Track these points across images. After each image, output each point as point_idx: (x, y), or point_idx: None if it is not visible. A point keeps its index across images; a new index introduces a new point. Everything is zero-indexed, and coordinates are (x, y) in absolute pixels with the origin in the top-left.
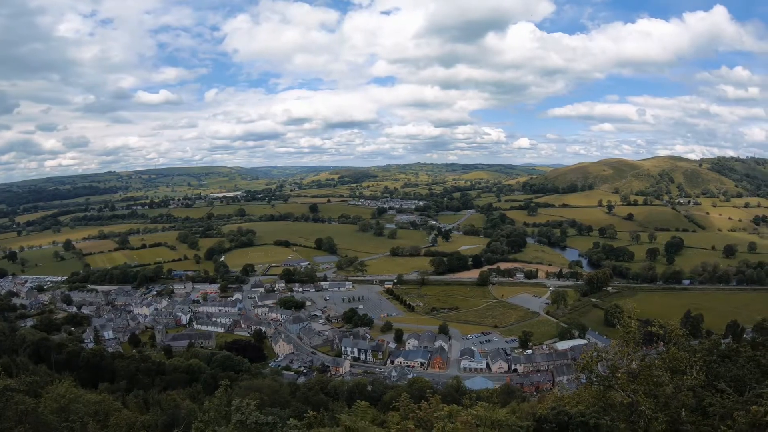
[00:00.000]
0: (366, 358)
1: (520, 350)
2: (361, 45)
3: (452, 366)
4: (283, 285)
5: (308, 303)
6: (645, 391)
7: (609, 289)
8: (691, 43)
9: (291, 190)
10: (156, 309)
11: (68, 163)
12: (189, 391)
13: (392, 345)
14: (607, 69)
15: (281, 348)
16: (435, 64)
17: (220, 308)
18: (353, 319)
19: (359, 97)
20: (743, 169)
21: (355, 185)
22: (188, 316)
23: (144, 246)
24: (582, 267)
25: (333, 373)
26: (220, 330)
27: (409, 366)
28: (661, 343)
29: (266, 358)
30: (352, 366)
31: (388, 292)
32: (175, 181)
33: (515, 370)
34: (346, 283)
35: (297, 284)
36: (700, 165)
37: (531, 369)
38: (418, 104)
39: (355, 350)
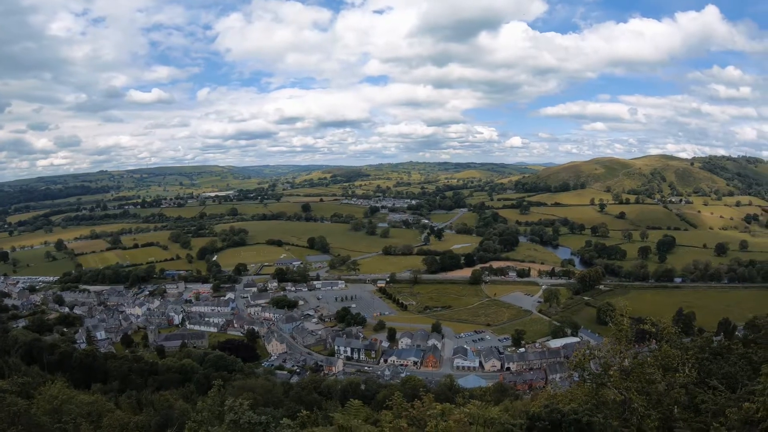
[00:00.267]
0: (359, 357)
1: (513, 348)
2: (353, 44)
3: (445, 364)
4: (275, 284)
5: (301, 302)
6: (637, 389)
7: (601, 287)
8: (683, 42)
9: (283, 190)
10: (148, 309)
11: (60, 163)
12: (182, 391)
13: (385, 344)
14: (599, 68)
15: (274, 347)
16: (428, 63)
17: (213, 308)
18: (346, 318)
19: (352, 96)
20: (735, 168)
21: (347, 184)
22: (181, 316)
23: (136, 246)
24: (574, 265)
25: (326, 372)
26: (213, 330)
27: (402, 365)
28: (654, 340)
29: (259, 357)
30: (345, 365)
31: (381, 291)
32: (167, 180)
33: (508, 369)
34: (339, 282)
35: (289, 283)
36: (692, 164)
37: (524, 367)
38: (410, 103)
39: (348, 349)
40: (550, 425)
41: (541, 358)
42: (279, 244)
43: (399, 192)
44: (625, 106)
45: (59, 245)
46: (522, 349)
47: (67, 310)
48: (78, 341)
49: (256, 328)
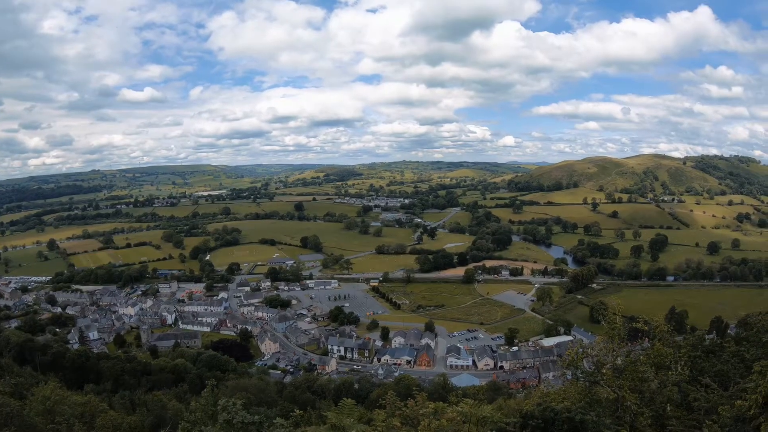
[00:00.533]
0: (352, 356)
1: (506, 347)
2: (347, 43)
3: (438, 363)
4: (268, 284)
5: (294, 302)
6: (630, 387)
7: (594, 286)
8: (675, 42)
9: (276, 189)
10: (141, 309)
11: (52, 162)
12: (175, 391)
13: (379, 343)
14: (592, 68)
15: (267, 347)
16: (421, 63)
17: (206, 307)
18: (339, 317)
19: (345, 95)
20: (727, 168)
21: (340, 183)
22: (174, 315)
23: (129, 245)
24: (567, 264)
25: (319, 371)
26: (206, 329)
27: (395, 364)
28: (646, 339)
29: (252, 357)
30: (338, 364)
31: (374, 290)
32: (159, 179)
33: (501, 367)
34: (332, 281)
35: (283, 283)
36: (684, 163)
37: (517, 366)
38: (403, 102)
39: (342, 348)
40: (543, 423)
41: (534, 356)
42: (272, 243)
43: (392, 191)
44: (617, 106)
45: (51, 245)
46: (515, 348)
47: (59, 310)
48: (71, 341)
49: (250, 328)
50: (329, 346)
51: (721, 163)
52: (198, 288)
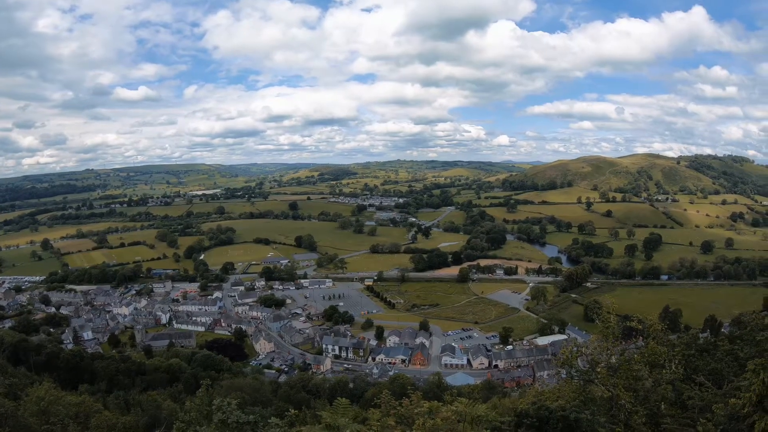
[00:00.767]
0: (347, 355)
1: (501, 346)
2: (341, 42)
3: (433, 362)
4: (263, 283)
5: (288, 301)
6: (625, 385)
7: (588, 284)
8: (669, 42)
9: (271, 188)
10: (135, 308)
11: (46, 161)
12: (170, 391)
13: (373, 342)
14: (586, 68)
15: (262, 346)
16: (415, 62)
17: (200, 307)
18: (334, 316)
19: (339, 94)
20: (720, 167)
21: (335, 183)
22: (168, 315)
23: (123, 245)
24: (561, 263)
25: (314, 370)
26: (201, 329)
27: (390, 363)
28: (640, 337)
29: (247, 356)
30: (333, 363)
31: (369, 289)
32: (153, 178)
33: (496, 366)
34: (327, 280)
35: (277, 282)
36: (678, 162)
37: (511, 364)
38: (398, 101)
39: (336, 348)
40: (538, 422)
41: (529, 355)
42: (266, 242)
43: (386, 190)
44: (612, 105)
45: (45, 245)
46: (509, 347)
47: (53, 310)
48: (65, 341)
49: (244, 327)
50: (324, 346)
51: (715, 163)
52: (192, 287)
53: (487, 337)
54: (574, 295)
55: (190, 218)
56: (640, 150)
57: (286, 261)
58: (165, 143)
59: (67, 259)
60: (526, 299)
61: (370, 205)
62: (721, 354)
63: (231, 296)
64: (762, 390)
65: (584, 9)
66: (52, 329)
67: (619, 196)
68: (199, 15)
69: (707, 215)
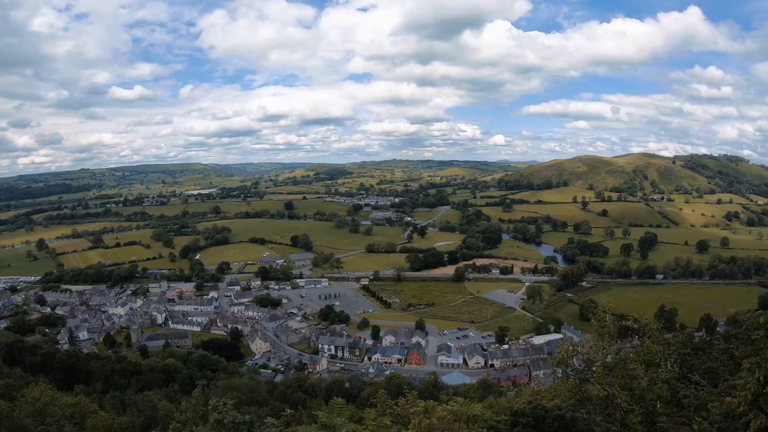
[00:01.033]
0: (343, 355)
1: (497, 345)
2: (337, 41)
3: (429, 362)
4: (258, 283)
5: (284, 301)
6: (620, 384)
7: (584, 284)
8: (665, 42)
9: (266, 187)
10: (131, 308)
11: (41, 161)
12: (166, 391)
13: (369, 342)
14: (582, 67)
15: (258, 346)
16: (411, 61)
17: (196, 307)
18: (330, 316)
19: (335, 93)
20: (716, 167)
21: (330, 182)
22: (164, 315)
23: (118, 245)
24: (557, 262)
25: (310, 370)
26: (197, 329)
27: (386, 362)
28: (636, 336)
29: (243, 356)
30: (329, 363)
31: (365, 288)
32: (149, 178)
33: (492, 365)
34: (322, 280)
35: (273, 282)
36: (674, 162)
37: (507, 364)
38: (394, 101)
39: (332, 347)
40: (534, 421)
41: (525, 354)
42: (262, 242)
43: (382, 190)
44: (607, 105)
45: (40, 244)
46: (505, 346)
47: (49, 310)
48: (60, 342)
49: (240, 327)
50: (320, 345)
51: (710, 162)
52: (188, 287)
53: (483, 337)
54: (569, 295)
55: (185, 218)
56: (636, 149)
57: (282, 261)
58: (160, 143)
59: (63, 259)
60: (522, 298)
61: (365, 205)
62: (716, 353)
63: (227, 296)
64: (757, 388)
65: (580, 9)
66: (47, 329)
67: (614, 195)
68: (195, 14)
69: (702, 215)
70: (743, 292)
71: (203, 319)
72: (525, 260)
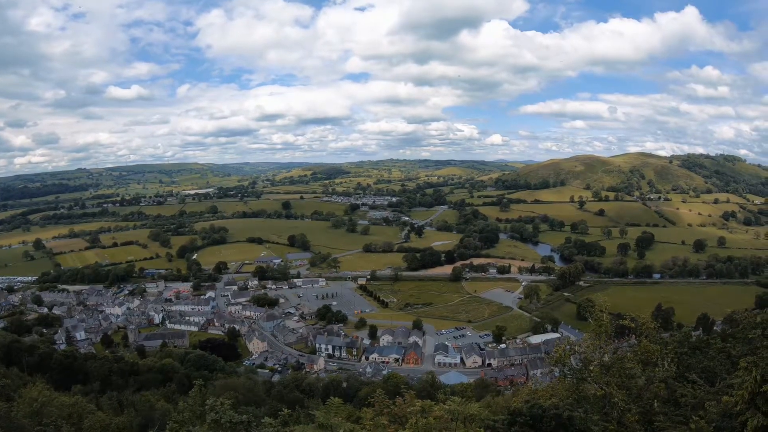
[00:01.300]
0: (340, 354)
1: (494, 345)
2: (335, 41)
3: (427, 361)
4: (256, 282)
5: (282, 300)
6: (618, 383)
7: (581, 283)
8: (662, 42)
9: (263, 187)
10: (128, 308)
11: (38, 161)
12: (163, 391)
13: (366, 341)
14: (579, 67)
15: (255, 346)
16: (409, 61)
17: (193, 307)
18: (327, 315)
19: (332, 93)
20: (712, 166)
21: (327, 182)
22: (161, 315)
23: (115, 244)
24: (554, 262)
25: (308, 370)
26: (194, 329)
27: (383, 362)
28: (633, 336)
29: (240, 356)
30: (326, 363)
31: (362, 288)
32: (146, 178)
33: (489, 365)
34: (320, 279)
35: (270, 281)
36: (671, 162)
37: (505, 363)
38: (391, 101)
39: (330, 347)
40: (531, 420)
41: (522, 354)
42: (259, 242)
43: (379, 189)
44: (604, 105)
45: (37, 244)
46: (503, 345)
47: (46, 310)
48: (57, 342)
49: (237, 327)
50: (317, 345)
51: (707, 162)
52: (185, 287)
53: (480, 336)
54: (567, 294)
55: (182, 218)
56: (633, 149)
57: (279, 260)
58: (157, 142)
59: (60, 259)
60: (519, 298)
61: (363, 204)
62: (713, 352)
63: (224, 296)
64: (754, 387)
65: (577, 9)
66: (44, 329)
67: (611, 195)
68: (193, 14)
69: (699, 214)
70: (740, 291)
71: (200, 318)
72: (522, 260)
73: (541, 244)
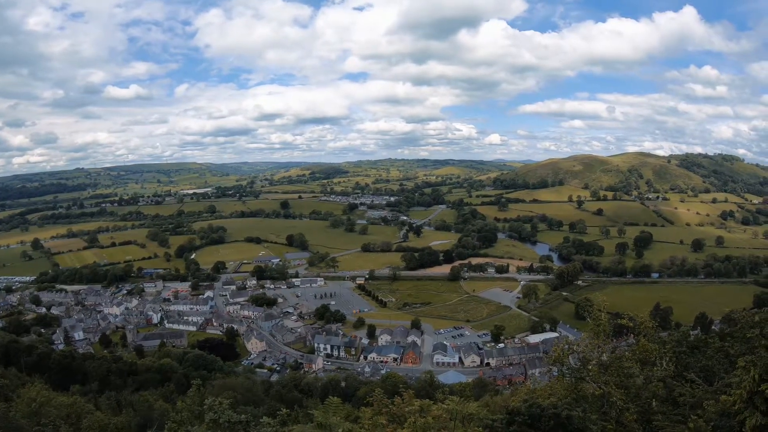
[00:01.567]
0: (339, 354)
1: (493, 344)
2: (333, 41)
3: (425, 361)
4: (254, 282)
5: (280, 300)
6: (616, 383)
7: (579, 282)
8: (660, 42)
9: (262, 187)
10: (127, 308)
11: (36, 160)
12: (162, 391)
13: (365, 341)
14: (577, 67)
15: (254, 346)
16: (407, 61)
17: (192, 306)
18: (325, 315)
19: (331, 92)
20: (710, 166)
21: (326, 181)
22: (159, 315)
23: (113, 244)
24: (553, 261)
25: (306, 369)
26: (192, 329)
27: (382, 361)
28: (631, 335)
29: (239, 356)
30: (325, 362)
31: (360, 287)
32: (144, 177)
33: (488, 364)
34: (318, 279)
35: (268, 281)
36: (669, 161)
37: (503, 362)
38: (389, 100)
39: (328, 346)
40: (530, 420)
41: (521, 353)
42: (258, 241)
43: (378, 189)
44: (603, 104)
45: (35, 244)
46: (501, 345)
47: (44, 310)
48: (56, 342)
49: (236, 327)
50: (316, 345)
51: (706, 162)
52: (183, 287)
53: (478, 335)
54: (565, 293)
55: (181, 217)
56: (631, 149)
57: (278, 260)
58: (156, 142)
59: (58, 258)
60: (518, 297)
61: (361, 204)
62: (711, 351)
63: (222, 295)
64: (752, 387)
65: (576, 9)
66: (42, 330)
67: (610, 194)
68: (191, 13)
69: (698, 213)
70: (738, 291)
71: (199, 318)
72: (520, 259)
73: (539, 243)
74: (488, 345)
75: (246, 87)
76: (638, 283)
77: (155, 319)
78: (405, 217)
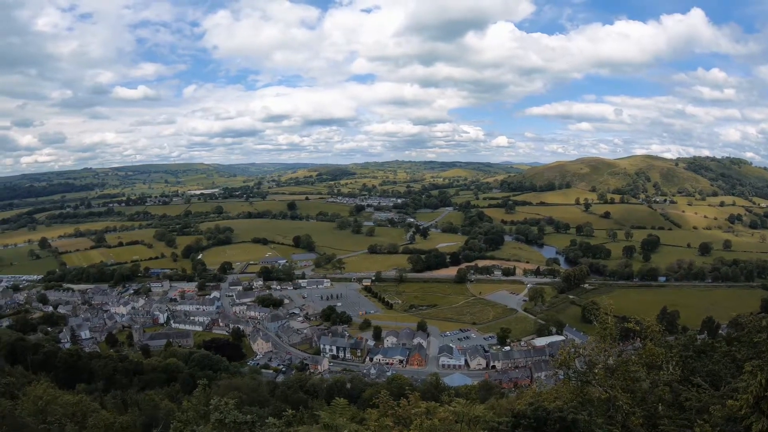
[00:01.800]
0: (345, 355)
1: (498, 347)
2: (341, 42)
3: (431, 363)
4: (261, 283)
5: (286, 301)
6: (622, 387)
7: (586, 286)
8: (668, 44)
9: (269, 188)
10: (133, 308)
11: (44, 160)
12: (167, 390)
13: (371, 342)
14: (585, 69)
15: (260, 346)
16: (414, 63)
17: (198, 307)
18: (331, 316)
19: (338, 94)
20: (718, 169)
21: (333, 183)
22: (166, 314)
23: (121, 244)
24: (559, 264)
25: (312, 371)
26: (198, 329)
27: (387, 363)
28: (638, 339)
29: (245, 356)
30: (330, 364)
31: (366, 289)
32: (152, 178)
33: (493, 367)
34: (324, 280)
35: (275, 282)
36: (676, 164)
37: (509, 365)
38: (397, 102)
39: (334, 348)
40: (536, 423)
41: (527, 356)
42: (264, 242)
43: (385, 191)
44: (610, 107)
45: (43, 243)
46: (507, 348)
47: (51, 309)
48: (62, 341)
49: (242, 327)
50: (321, 346)
51: (713, 165)
52: (190, 287)
53: (484, 338)
54: (571, 297)
55: (188, 218)
56: (639, 151)
57: (284, 261)
58: (163, 142)
59: (65, 258)
60: (524, 300)
61: (368, 206)
62: (718, 355)
63: (229, 296)
64: (759, 392)
65: (583, 11)
66: (49, 328)
67: (617, 197)
68: (199, 15)
69: (705, 217)
70: (746, 295)
71: (205, 318)
72: (527, 262)
73: (546, 246)
74: (494, 348)
75: (253, 88)
76: (645, 287)
77: (161, 318)
78: (412, 219)
